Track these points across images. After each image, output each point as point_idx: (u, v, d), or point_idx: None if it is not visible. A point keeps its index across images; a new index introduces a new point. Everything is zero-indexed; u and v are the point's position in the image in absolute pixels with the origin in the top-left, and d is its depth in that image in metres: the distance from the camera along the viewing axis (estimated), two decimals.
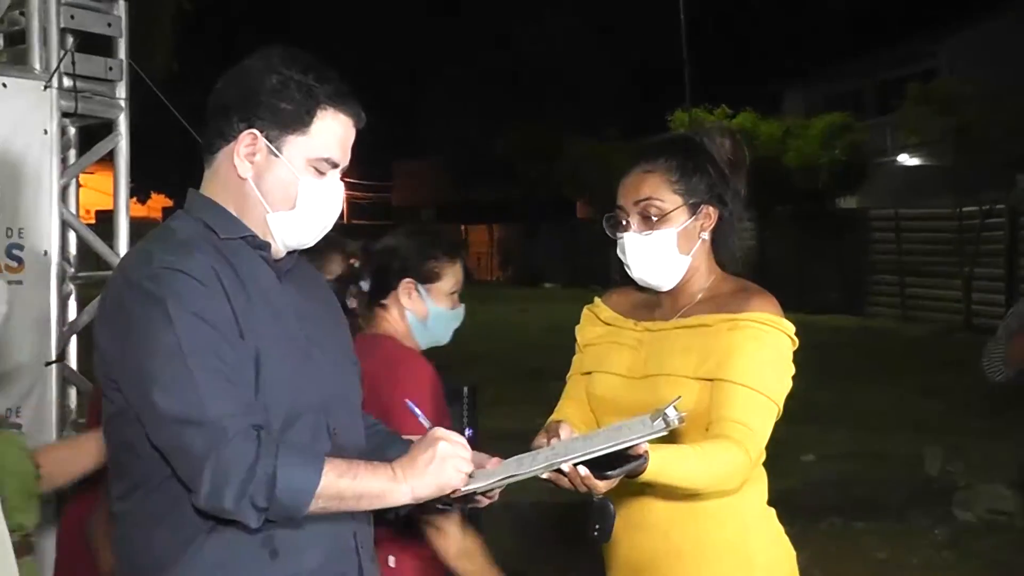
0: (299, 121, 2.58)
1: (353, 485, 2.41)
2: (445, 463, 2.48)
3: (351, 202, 51.37)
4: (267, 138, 2.58)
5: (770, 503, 3.24)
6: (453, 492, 2.53)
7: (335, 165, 2.65)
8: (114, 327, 2.50)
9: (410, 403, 2.93)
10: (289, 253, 2.72)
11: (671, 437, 2.88)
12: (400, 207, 53.18)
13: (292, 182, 2.60)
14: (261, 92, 2.58)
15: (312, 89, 2.59)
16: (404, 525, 3.38)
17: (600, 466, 2.63)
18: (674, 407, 2.53)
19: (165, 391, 2.36)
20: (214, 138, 2.64)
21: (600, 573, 3.37)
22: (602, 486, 2.66)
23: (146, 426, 2.42)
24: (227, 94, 2.63)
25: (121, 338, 2.46)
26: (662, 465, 2.74)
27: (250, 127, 2.58)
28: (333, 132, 2.63)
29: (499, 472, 2.60)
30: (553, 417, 3.26)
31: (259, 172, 2.60)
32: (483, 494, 2.71)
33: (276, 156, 2.58)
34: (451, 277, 3.82)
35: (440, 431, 2.54)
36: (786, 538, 3.24)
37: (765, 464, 3.16)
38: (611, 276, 3.31)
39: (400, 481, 2.46)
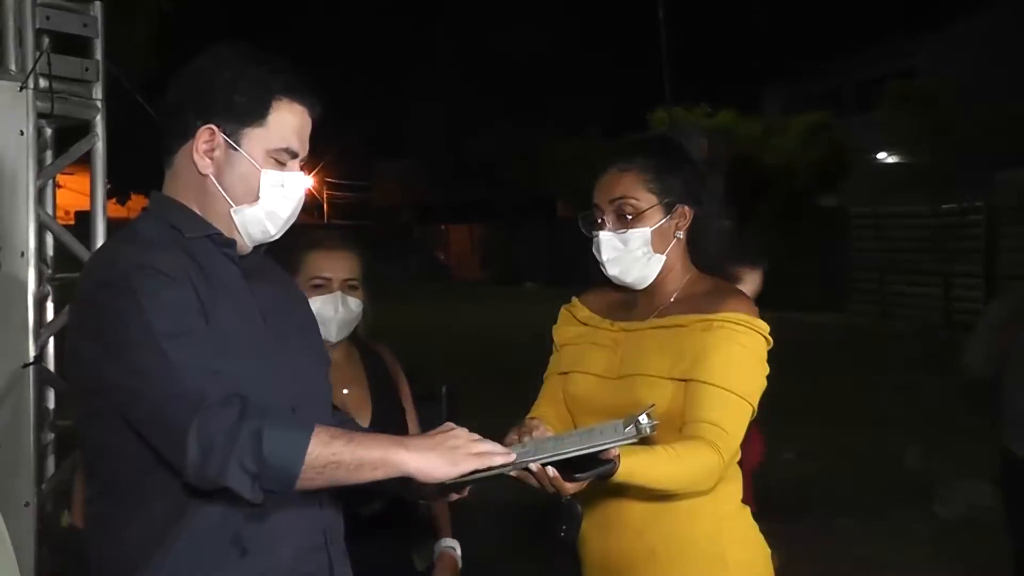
0: (255, 113, 2.59)
1: (350, 449, 2.32)
2: (460, 445, 2.41)
3: (331, 202, 51.32)
4: (225, 132, 2.58)
5: (749, 500, 3.24)
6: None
7: (295, 155, 2.65)
8: (87, 326, 2.50)
9: None
10: (255, 250, 2.72)
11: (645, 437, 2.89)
12: (380, 207, 53.12)
13: (253, 174, 2.60)
14: (215, 88, 2.58)
15: (266, 81, 2.60)
16: (372, 524, 3.37)
17: (570, 468, 2.63)
18: (647, 415, 2.54)
19: (140, 373, 2.35)
20: (172, 138, 2.65)
21: (576, 571, 3.38)
22: (570, 488, 2.66)
23: (128, 415, 2.40)
24: (181, 93, 2.64)
25: (94, 336, 2.45)
26: (633, 468, 2.74)
27: (207, 123, 2.58)
28: (290, 123, 2.63)
29: None
30: (529, 416, 3.26)
31: (219, 167, 2.60)
32: (454, 490, 2.69)
33: (235, 150, 2.59)
34: (750, 284, 3.91)
35: (454, 426, 2.49)
36: (760, 536, 3.24)
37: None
38: (590, 276, 3.30)
39: (409, 449, 2.37)
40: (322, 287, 3.77)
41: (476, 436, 2.46)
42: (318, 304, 3.70)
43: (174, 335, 2.37)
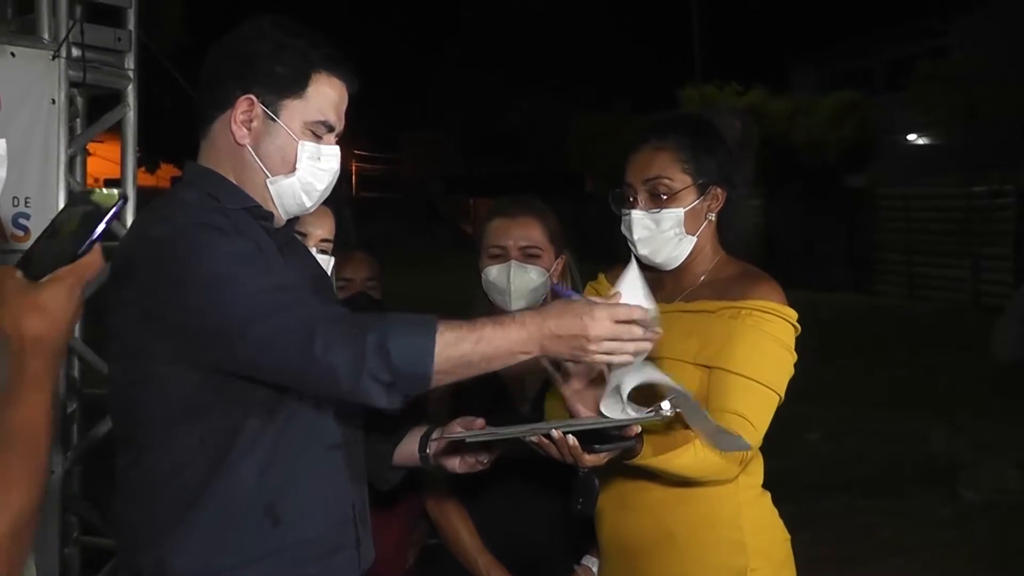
0: (295, 85, 2.59)
1: (479, 349, 2.31)
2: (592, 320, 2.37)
3: (359, 174, 51.33)
4: (263, 103, 2.59)
5: (774, 481, 3.23)
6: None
7: (331, 129, 2.66)
8: (142, 285, 2.44)
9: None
10: (288, 224, 2.73)
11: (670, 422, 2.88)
12: (409, 179, 53.07)
13: (290, 145, 2.61)
14: (256, 58, 2.59)
15: (306, 53, 2.60)
16: (387, 499, 3.33)
17: (591, 442, 2.64)
18: (669, 401, 2.54)
19: (230, 307, 2.32)
20: (209, 107, 2.65)
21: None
22: (588, 459, 2.67)
23: (227, 356, 2.37)
24: (221, 62, 2.64)
25: (157, 291, 2.41)
26: (655, 452, 2.74)
27: (246, 93, 2.58)
28: (328, 96, 2.64)
29: (487, 431, 2.61)
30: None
31: (257, 137, 2.61)
32: (476, 459, 2.74)
33: (274, 120, 2.59)
34: None
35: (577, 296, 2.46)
36: (779, 521, 3.22)
37: (769, 442, 3.15)
38: (618, 253, 3.27)
39: (535, 330, 2.35)
40: (499, 256, 3.57)
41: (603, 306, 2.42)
42: (493, 273, 3.56)
43: (253, 275, 2.36)
